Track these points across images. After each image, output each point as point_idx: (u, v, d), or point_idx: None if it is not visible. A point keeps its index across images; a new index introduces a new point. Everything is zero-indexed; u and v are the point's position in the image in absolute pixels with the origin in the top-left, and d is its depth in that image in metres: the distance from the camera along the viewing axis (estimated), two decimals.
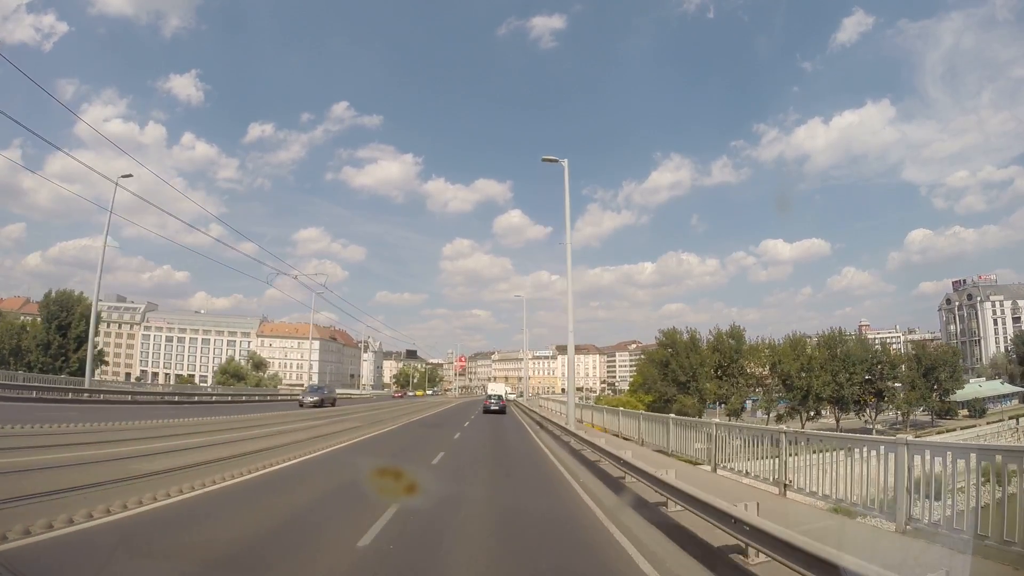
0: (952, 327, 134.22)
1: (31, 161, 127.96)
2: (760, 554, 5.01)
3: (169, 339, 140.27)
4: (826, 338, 54.73)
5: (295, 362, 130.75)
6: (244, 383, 64.13)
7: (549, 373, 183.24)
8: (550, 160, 22.04)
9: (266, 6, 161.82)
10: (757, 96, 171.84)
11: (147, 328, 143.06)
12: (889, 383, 55.61)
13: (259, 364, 76.19)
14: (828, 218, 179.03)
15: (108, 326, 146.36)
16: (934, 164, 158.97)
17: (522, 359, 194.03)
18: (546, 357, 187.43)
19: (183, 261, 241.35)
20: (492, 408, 38.06)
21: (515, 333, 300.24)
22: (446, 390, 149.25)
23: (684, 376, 46.80)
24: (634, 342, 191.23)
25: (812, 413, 54.22)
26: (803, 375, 51.04)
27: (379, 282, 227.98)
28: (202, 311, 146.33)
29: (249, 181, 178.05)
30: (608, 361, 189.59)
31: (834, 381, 52.76)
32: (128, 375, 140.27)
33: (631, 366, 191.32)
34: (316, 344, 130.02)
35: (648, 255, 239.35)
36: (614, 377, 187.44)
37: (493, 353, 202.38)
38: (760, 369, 50.74)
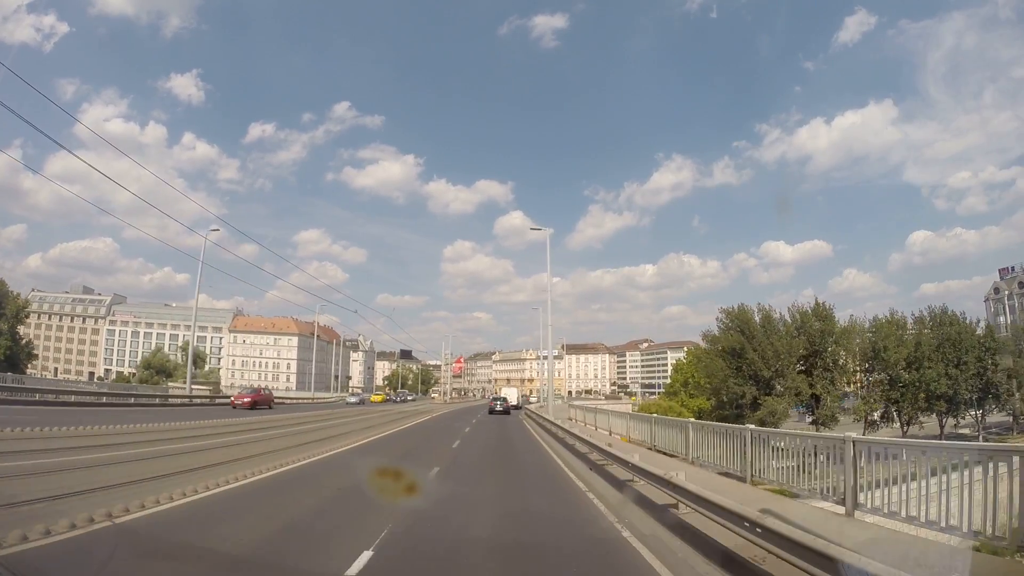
0: (1002, 318, 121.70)
1: (31, 162, 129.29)
2: None
3: (136, 334, 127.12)
4: (933, 318, 41.28)
5: (271, 360, 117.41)
6: (172, 380, 51.14)
7: (556, 374, 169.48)
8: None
9: (267, 5, 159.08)
10: (759, 96, 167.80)
11: (112, 323, 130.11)
12: (999, 376, 42.74)
13: (195, 358, 62.56)
14: (830, 219, 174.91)
15: (72, 320, 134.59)
16: (936, 165, 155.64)
17: (527, 359, 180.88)
18: (552, 356, 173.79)
19: (184, 263, 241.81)
20: (497, 409, 41.78)
21: (516, 335, 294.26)
22: (433, 395, 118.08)
23: (768, 370, 33.11)
24: (645, 340, 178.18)
25: (908, 418, 40.86)
26: (904, 365, 37.71)
27: (380, 284, 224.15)
28: (174, 304, 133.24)
29: (250, 182, 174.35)
30: (618, 361, 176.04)
31: (947, 374, 39.55)
32: (92, 374, 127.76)
33: (643, 366, 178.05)
34: (294, 340, 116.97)
35: (649, 257, 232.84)
36: (624, 378, 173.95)
37: (494, 353, 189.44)
38: (852, 359, 37.12)
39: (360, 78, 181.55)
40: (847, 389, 38.77)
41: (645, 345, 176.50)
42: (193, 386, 38.67)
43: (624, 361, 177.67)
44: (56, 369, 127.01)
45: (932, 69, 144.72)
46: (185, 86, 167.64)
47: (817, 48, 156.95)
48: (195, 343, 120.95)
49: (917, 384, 37.46)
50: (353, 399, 63.33)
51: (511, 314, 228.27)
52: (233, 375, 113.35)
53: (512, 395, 69.94)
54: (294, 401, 53.07)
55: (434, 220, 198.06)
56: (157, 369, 54.32)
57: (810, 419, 34.79)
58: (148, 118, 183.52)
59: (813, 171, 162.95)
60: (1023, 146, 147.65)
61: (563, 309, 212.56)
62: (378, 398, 66.62)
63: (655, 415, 17.82)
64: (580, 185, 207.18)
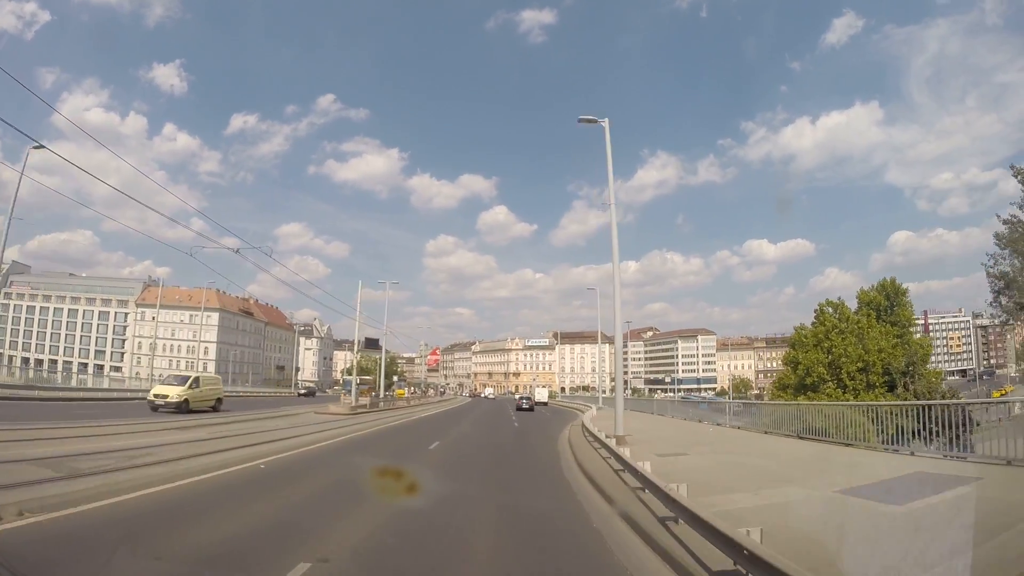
0: None
1: (9, 153, 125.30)
2: None
3: (32, 309, 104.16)
4: None
5: (186, 343, 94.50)
6: None
7: (546, 368, 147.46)
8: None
9: None
10: (746, 95, 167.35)
11: (7, 296, 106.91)
12: None
13: None
14: (812, 219, 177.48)
15: None
16: (918, 166, 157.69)
17: (513, 349, 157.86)
18: (542, 348, 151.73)
19: (164, 256, 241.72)
20: (523, 407, 41.96)
21: (499, 331, 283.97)
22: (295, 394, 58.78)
23: None
24: (650, 329, 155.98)
25: None
26: None
27: (362, 279, 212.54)
28: (84, 274, 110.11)
29: (231, 175, 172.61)
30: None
31: None
32: None
33: (647, 358, 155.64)
34: (214, 317, 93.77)
35: (632, 254, 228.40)
36: (626, 372, 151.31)
37: (474, 343, 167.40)
38: None
39: (346, 70, 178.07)
40: None
41: (650, 334, 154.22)
42: None
43: (626, 352, 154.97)
44: None
45: (916, 73, 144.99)
46: (167, 76, 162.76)
47: (804, 48, 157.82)
48: (95, 320, 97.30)
49: None
50: None
51: (493, 310, 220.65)
52: (139, 361, 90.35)
53: (543, 394, 66.87)
54: None
55: (417, 215, 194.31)
56: None
57: None
58: (129, 108, 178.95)
59: (797, 170, 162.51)
60: (1007, 148, 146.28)
61: (544, 305, 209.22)
62: None
63: None
64: (564, 181, 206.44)
